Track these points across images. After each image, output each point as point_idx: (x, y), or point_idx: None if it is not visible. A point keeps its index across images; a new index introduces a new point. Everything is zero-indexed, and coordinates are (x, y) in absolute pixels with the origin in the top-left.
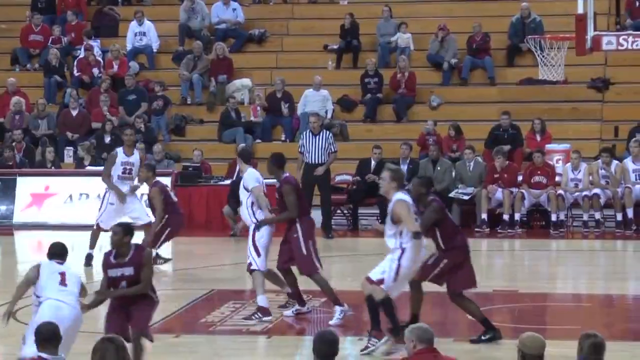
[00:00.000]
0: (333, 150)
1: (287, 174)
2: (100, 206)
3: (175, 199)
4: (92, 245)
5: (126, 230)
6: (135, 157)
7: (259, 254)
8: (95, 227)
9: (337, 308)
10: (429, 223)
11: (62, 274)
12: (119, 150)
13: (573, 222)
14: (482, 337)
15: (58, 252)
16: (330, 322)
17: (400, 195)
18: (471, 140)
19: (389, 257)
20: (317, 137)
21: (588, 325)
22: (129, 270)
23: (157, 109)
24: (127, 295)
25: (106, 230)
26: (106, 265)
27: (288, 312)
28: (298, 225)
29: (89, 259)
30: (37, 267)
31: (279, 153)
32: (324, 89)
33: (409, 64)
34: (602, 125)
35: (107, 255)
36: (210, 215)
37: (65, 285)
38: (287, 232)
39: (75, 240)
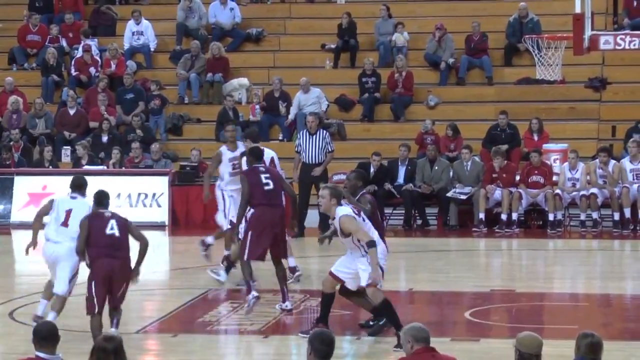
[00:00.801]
0: (330, 149)
1: (254, 166)
2: (223, 207)
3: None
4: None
5: None
6: (241, 150)
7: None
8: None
9: (250, 295)
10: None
11: (68, 212)
12: (223, 148)
13: (570, 221)
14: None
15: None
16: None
17: (343, 210)
18: (468, 140)
19: (361, 265)
20: (314, 136)
21: (585, 325)
22: None
23: (155, 108)
24: None
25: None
26: None
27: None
28: (249, 214)
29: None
30: (51, 202)
31: (257, 147)
32: (316, 88)
33: (406, 64)
34: (599, 125)
35: None
36: (208, 214)
37: (66, 225)
38: None
39: None
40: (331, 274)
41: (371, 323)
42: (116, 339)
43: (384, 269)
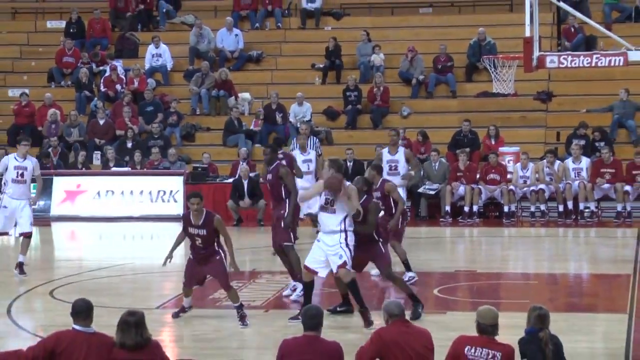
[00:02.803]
0: (319, 153)
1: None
2: None
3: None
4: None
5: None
6: (400, 155)
7: None
8: None
9: None
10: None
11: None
12: (385, 150)
13: (522, 212)
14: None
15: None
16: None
17: (350, 184)
18: (436, 144)
19: (334, 244)
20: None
21: (535, 299)
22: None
23: (172, 123)
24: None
25: None
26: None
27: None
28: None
29: None
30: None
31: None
32: (307, 102)
33: (383, 80)
34: (546, 131)
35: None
36: (216, 208)
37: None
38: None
39: (103, 230)
40: (305, 267)
41: (338, 309)
42: (138, 314)
43: (352, 252)
